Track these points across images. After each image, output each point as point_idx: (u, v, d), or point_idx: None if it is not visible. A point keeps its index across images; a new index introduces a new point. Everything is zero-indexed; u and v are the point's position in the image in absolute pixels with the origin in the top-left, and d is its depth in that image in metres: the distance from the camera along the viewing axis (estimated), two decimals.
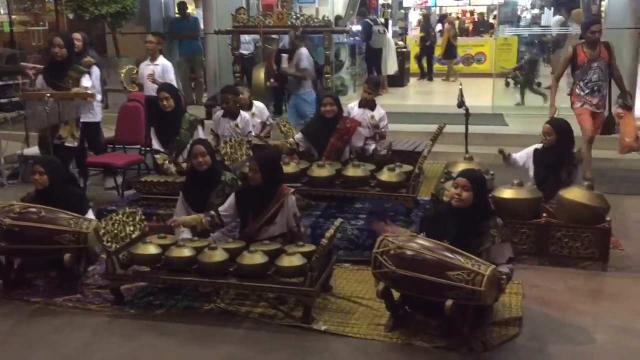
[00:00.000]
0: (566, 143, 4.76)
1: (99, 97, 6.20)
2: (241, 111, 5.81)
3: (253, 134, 5.75)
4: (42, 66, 5.48)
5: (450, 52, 14.44)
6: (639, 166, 7.16)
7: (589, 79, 5.93)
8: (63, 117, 5.25)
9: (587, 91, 5.95)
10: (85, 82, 5.45)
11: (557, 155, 4.74)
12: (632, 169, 7.10)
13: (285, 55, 7.45)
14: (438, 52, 14.67)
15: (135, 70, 6.90)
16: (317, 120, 5.43)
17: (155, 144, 5.35)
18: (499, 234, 3.44)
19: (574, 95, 6.08)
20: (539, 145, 4.91)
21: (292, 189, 4.12)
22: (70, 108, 5.32)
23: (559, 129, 4.73)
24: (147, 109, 6.43)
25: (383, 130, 5.84)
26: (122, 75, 7.05)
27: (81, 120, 5.65)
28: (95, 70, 6.02)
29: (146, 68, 6.81)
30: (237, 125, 5.65)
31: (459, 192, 3.47)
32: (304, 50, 7.03)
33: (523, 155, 5.00)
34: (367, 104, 5.84)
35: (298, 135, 5.40)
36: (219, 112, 5.88)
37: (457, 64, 14.89)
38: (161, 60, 6.88)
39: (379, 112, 5.92)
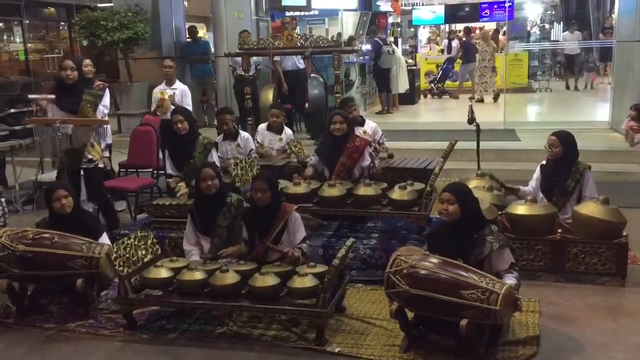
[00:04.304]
0: (571, 153, 4.81)
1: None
2: (240, 131, 5.87)
3: (254, 152, 5.77)
4: (52, 96, 5.51)
5: None
6: None
7: None
8: (81, 141, 5.26)
9: None
10: (101, 108, 5.47)
11: (562, 165, 4.79)
12: None
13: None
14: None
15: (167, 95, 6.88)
16: (327, 138, 5.40)
17: (168, 168, 5.38)
18: (496, 240, 3.44)
19: None
20: (543, 162, 4.97)
21: (295, 205, 4.11)
22: (86, 132, 5.32)
23: (564, 140, 4.78)
24: (162, 132, 6.48)
25: (381, 141, 5.83)
26: (165, 97, 6.91)
27: None
28: (108, 92, 6.18)
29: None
30: (238, 145, 5.69)
31: (445, 206, 3.51)
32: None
33: (532, 182, 5.01)
34: (355, 122, 5.81)
35: (314, 158, 5.37)
36: (219, 136, 5.93)
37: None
38: (178, 84, 6.93)
39: (369, 126, 5.91)
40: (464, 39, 14.53)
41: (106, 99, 6.19)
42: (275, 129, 6.20)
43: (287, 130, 6.40)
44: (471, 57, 13.63)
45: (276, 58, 9.16)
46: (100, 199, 5.60)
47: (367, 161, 5.20)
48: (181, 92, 6.81)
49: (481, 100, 12.73)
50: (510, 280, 3.38)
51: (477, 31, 20.39)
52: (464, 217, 3.51)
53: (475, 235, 3.47)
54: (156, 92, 6.90)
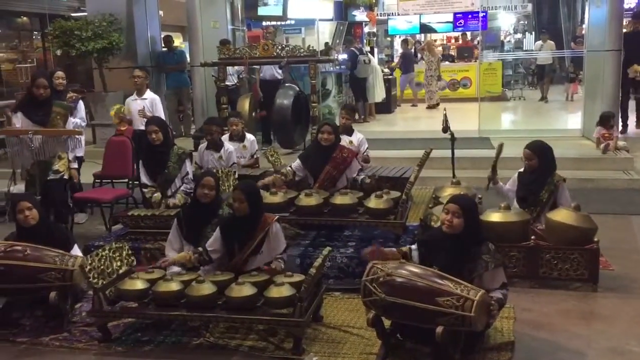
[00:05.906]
0: (548, 164, 4.83)
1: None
2: (225, 143, 5.85)
3: (236, 165, 5.75)
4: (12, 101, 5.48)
5: None
6: (621, 185, 7.23)
7: None
8: (51, 152, 5.20)
9: None
10: (77, 121, 5.41)
11: (538, 176, 4.82)
12: (615, 188, 7.16)
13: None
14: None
15: (123, 109, 6.88)
16: (313, 147, 5.40)
17: (143, 178, 5.34)
18: (492, 260, 3.43)
19: None
20: (521, 169, 5.00)
21: (276, 216, 4.11)
22: (58, 143, 5.27)
23: (539, 151, 4.83)
24: (136, 143, 6.46)
25: (365, 154, 5.86)
26: (112, 113, 7.00)
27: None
28: (81, 104, 6.11)
29: (134, 103, 6.79)
30: (220, 157, 5.67)
31: (450, 218, 3.47)
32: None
33: (510, 184, 5.06)
34: (345, 129, 5.86)
35: (296, 163, 5.34)
36: (202, 145, 5.91)
37: (444, 89, 15.03)
38: (149, 94, 6.86)
39: (357, 137, 5.99)
40: (401, 50, 14.77)
41: (81, 112, 6.17)
42: (237, 137, 6.18)
43: (250, 137, 6.36)
44: (410, 68, 14.01)
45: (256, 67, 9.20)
46: (56, 209, 5.48)
47: (355, 173, 5.23)
48: (151, 102, 6.74)
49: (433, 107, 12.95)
50: (495, 294, 3.40)
51: (452, 40, 20.75)
52: (465, 231, 3.47)
53: (470, 251, 3.45)
54: (128, 103, 6.86)
